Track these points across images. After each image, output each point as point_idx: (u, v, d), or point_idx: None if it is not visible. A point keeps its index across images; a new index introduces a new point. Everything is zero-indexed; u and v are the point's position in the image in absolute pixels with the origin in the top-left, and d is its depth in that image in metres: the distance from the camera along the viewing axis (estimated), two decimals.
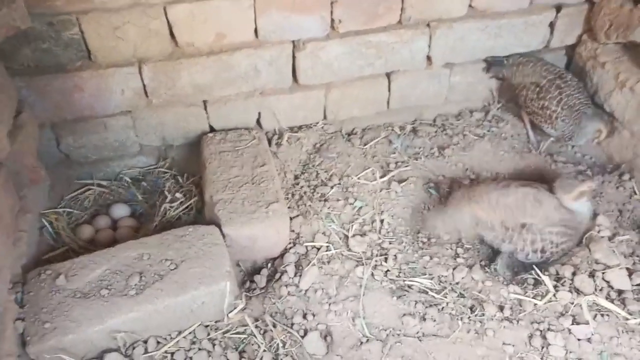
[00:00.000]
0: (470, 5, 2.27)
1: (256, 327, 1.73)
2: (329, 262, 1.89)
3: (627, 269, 1.82)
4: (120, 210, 2.14)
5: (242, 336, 1.71)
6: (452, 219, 1.98)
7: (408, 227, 2.06)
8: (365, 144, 2.40)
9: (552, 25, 2.42)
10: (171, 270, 1.70)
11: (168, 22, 1.97)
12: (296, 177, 2.25)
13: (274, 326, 1.73)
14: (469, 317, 1.72)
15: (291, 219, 2.01)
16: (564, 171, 2.26)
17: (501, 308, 1.75)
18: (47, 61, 1.93)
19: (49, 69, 1.95)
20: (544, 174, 2.25)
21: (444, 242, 2.00)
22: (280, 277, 1.86)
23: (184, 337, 1.68)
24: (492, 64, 2.43)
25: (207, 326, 1.72)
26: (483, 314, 1.72)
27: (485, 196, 1.94)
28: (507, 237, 1.90)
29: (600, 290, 1.78)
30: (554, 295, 1.76)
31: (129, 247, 1.76)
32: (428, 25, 2.26)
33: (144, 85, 2.07)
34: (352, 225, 2.02)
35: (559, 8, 2.39)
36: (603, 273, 1.81)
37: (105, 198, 2.22)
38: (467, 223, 1.97)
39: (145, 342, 1.65)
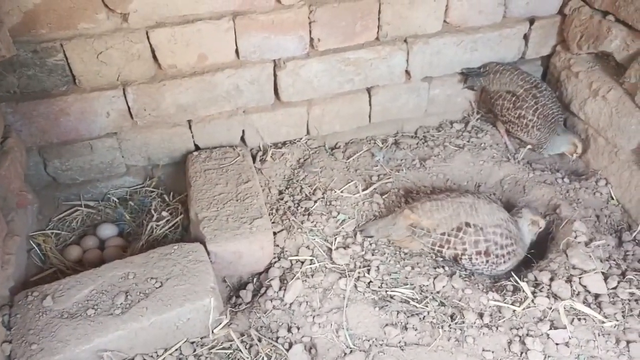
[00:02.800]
0: (445, 21, 2.34)
1: (242, 341, 1.76)
2: (312, 276, 1.93)
3: (603, 273, 1.87)
4: (108, 230, 2.18)
5: (228, 351, 1.74)
6: (385, 228, 2.03)
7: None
8: (348, 158, 2.45)
9: (526, 37, 2.50)
10: (156, 288, 1.73)
11: (150, 45, 2.03)
12: (280, 193, 2.29)
13: (259, 340, 1.76)
14: (450, 325, 1.76)
15: (275, 233, 2.06)
16: (541, 179, 2.32)
17: (481, 315, 1.78)
18: (33, 87, 1.98)
19: (35, 95, 2.00)
20: (522, 184, 2.31)
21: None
22: (265, 292, 1.90)
23: (170, 354, 1.71)
24: (468, 75, 2.50)
25: (193, 342, 1.75)
26: (463, 322, 1.76)
27: (420, 206, 1.97)
28: (444, 242, 1.90)
29: (577, 294, 1.82)
30: (532, 301, 1.80)
31: (115, 267, 1.79)
32: (405, 41, 2.33)
33: (129, 107, 2.13)
34: (336, 238, 2.06)
35: (532, 21, 2.46)
36: (580, 278, 1.86)
37: (93, 218, 2.26)
38: (400, 232, 2.00)
39: None
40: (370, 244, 2.06)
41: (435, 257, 2.00)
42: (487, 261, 1.90)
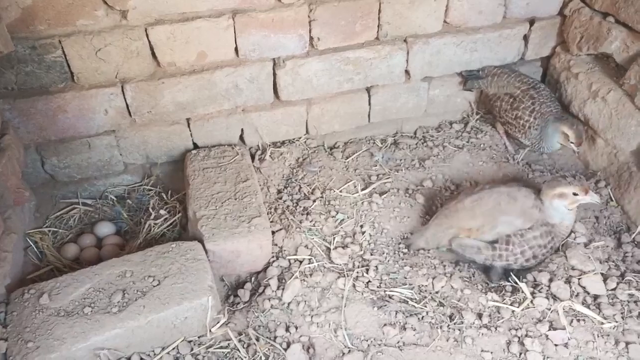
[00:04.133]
0: (445, 21, 2.34)
1: (239, 341, 1.75)
2: (311, 275, 1.92)
3: (602, 274, 1.86)
4: (105, 229, 2.17)
5: (226, 350, 1.73)
6: (435, 238, 2.00)
7: (389, 238, 2.09)
8: (347, 158, 2.45)
9: (526, 38, 2.50)
10: (154, 286, 1.72)
11: (149, 43, 2.02)
12: (279, 192, 2.28)
13: (257, 339, 1.75)
14: (448, 326, 1.75)
15: (274, 232, 2.05)
16: (540, 180, 2.31)
17: (480, 315, 1.78)
18: (31, 84, 1.97)
19: (33, 91, 1.99)
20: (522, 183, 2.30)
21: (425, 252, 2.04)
22: (263, 291, 1.89)
23: (167, 353, 1.70)
24: (467, 78, 2.49)
25: (190, 341, 1.74)
26: (462, 322, 1.76)
27: (461, 207, 1.96)
28: (497, 257, 1.90)
29: (577, 295, 1.82)
30: (531, 301, 1.79)
31: (112, 265, 1.78)
32: (405, 40, 2.33)
33: (127, 105, 2.12)
34: (334, 238, 2.06)
35: (532, 21, 2.46)
36: (579, 279, 1.85)
37: (91, 217, 2.24)
38: (450, 234, 1.98)
39: (129, 358, 1.67)
40: (369, 244, 2.05)
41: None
42: (535, 261, 1.92)
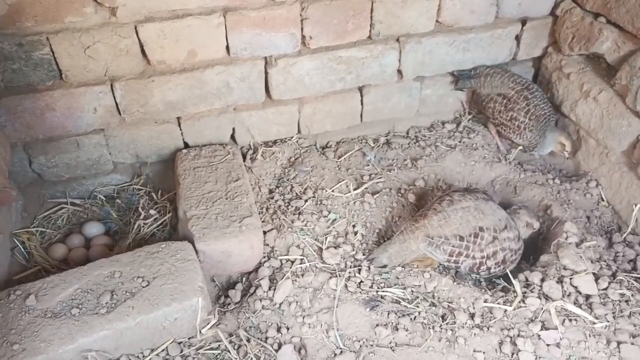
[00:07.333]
0: (437, 21, 2.33)
1: (230, 342, 1.73)
2: (303, 275, 1.90)
3: (594, 274, 1.86)
4: (94, 229, 2.14)
5: (216, 352, 1.71)
6: (399, 255, 1.91)
7: (381, 238, 2.08)
8: (339, 157, 2.43)
9: (518, 38, 2.50)
10: (143, 287, 1.69)
11: (139, 40, 1.99)
12: (271, 191, 2.27)
13: (248, 340, 1.73)
14: (441, 326, 1.74)
15: (265, 232, 2.03)
16: (532, 180, 2.31)
17: (472, 315, 1.77)
18: (18, 81, 1.94)
19: (20, 89, 1.96)
20: (513, 184, 2.31)
21: None
22: (254, 291, 1.87)
23: (157, 355, 1.68)
24: (458, 77, 2.49)
25: (180, 343, 1.72)
26: (454, 322, 1.75)
27: (429, 223, 1.87)
28: (463, 249, 1.82)
29: (568, 295, 1.82)
30: (523, 301, 1.79)
31: (101, 265, 1.76)
32: (397, 40, 2.32)
33: (117, 104, 2.09)
34: (326, 238, 2.04)
35: (524, 22, 2.46)
36: (571, 279, 1.85)
37: (79, 217, 2.21)
38: (418, 254, 1.89)
39: None
40: (361, 244, 2.04)
41: (449, 270, 1.95)
42: (503, 267, 1.88)
